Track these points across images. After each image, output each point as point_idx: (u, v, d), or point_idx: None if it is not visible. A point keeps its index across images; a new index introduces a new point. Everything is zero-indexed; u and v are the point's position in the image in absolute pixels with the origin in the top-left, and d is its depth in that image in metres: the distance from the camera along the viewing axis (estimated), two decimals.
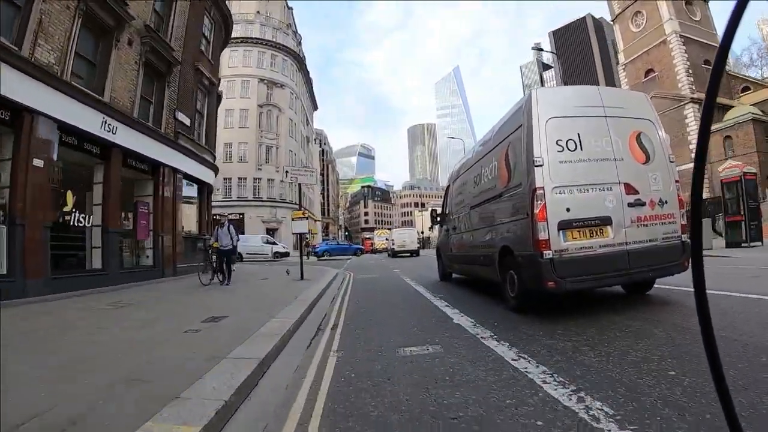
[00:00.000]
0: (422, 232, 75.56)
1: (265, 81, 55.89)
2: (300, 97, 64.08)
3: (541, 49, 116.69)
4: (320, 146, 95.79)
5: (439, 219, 13.03)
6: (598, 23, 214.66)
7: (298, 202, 52.16)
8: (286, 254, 40.06)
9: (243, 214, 50.69)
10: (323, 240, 65.26)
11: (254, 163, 52.51)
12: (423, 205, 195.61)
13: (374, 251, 64.38)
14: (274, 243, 40.39)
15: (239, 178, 52.13)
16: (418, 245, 40.89)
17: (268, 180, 52.99)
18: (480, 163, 8.66)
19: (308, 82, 73.10)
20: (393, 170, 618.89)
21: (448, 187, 11.95)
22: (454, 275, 12.80)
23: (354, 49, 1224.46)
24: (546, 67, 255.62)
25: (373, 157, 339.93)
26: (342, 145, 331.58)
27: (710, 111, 0.91)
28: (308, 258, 43.58)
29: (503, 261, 7.22)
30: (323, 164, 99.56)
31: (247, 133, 53.09)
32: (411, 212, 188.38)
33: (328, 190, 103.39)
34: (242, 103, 53.97)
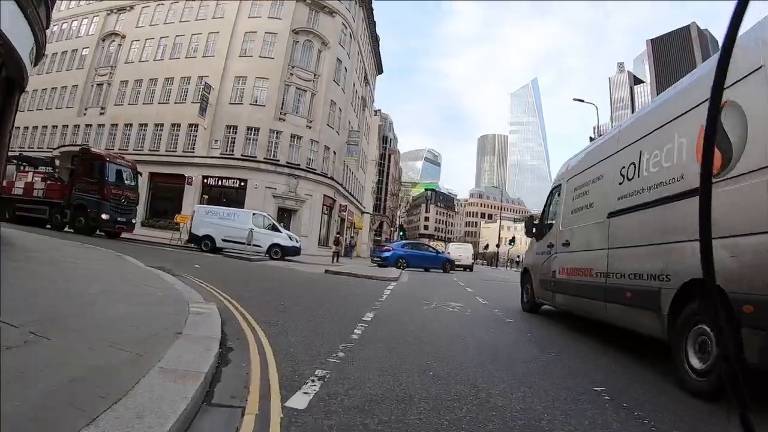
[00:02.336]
0: (497, 246, 74.75)
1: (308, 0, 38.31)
2: (357, 39, 46.06)
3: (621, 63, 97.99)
4: (382, 128, 77.89)
5: (535, 229, 10.24)
6: (703, 35, 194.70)
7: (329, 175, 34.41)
8: (296, 251, 24.67)
9: (246, 181, 34.54)
10: (400, 239, 47.67)
11: (275, 110, 36.40)
12: (490, 216, 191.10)
13: None
14: (276, 229, 24.76)
15: (249, 129, 36.12)
16: (473, 260, 42.53)
17: (293, 137, 36.93)
18: (638, 146, 6.03)
19: (372, 30, 54.82)
20: (458, 180, 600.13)
21: (556, 187, 9.22)
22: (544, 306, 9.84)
23: (432, 57, 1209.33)
24: (637, 80, 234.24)
25: (439, 164, 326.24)
26: (409, 149, 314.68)
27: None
28: (336, 260, 25.90)
29: (683, 306, 4.58)
30: (384, 151, 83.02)
31: (271, 66, 36.96)
32: (476, 223, 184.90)
33: (387, 182, 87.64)
34: (269, 25, 38.16)
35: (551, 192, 9.86)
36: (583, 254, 7.43)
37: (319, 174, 37.70)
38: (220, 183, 34.75)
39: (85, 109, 41.95)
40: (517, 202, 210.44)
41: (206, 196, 33.45)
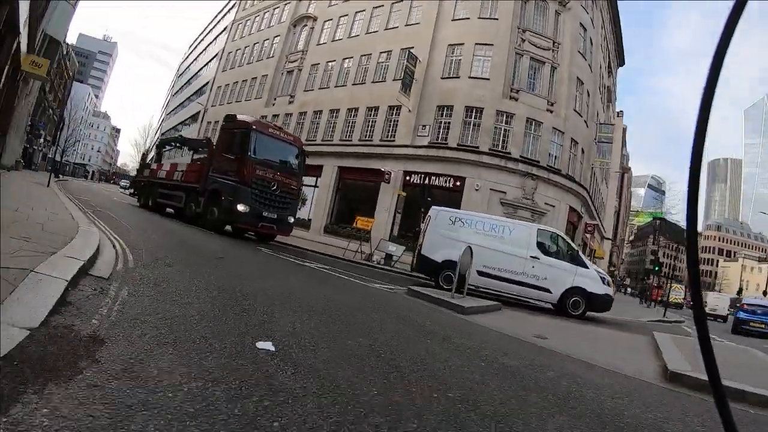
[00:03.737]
0: (765, 293, 57.77)
1: None
2: (601, 9, 34.45)
3: None
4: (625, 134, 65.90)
5: None
6: None
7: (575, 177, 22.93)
8: (607, 303, 13.95)
9: (463, 179, 25.39)
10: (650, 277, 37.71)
11: (503, 85, 26.58)
12: (731, 254, 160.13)
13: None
14: (579, 261, 13.81)
15: (468, 110, 26.82)
16: (728, 311, 37.95)
17: (528, 122, 26.59)
18: None
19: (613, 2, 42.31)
20: (682, 211, 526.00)
21: None
22: None
23: (646, 76, 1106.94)
24: None
25: (663, 192, 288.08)
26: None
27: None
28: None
29: None
30: (621, 167, 69.73)
31: (495, 30, 27.54)
32: (713, 261, 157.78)
33: (620, 207, 76.37)
34: None
35: None
36: None
37: (564, 176, 26.74)
38: (426, 180, 26.10)
39: (274, 99, 39.04)
40: (758, 238, 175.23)
41: (404, 193, 25.15)
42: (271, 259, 12.40)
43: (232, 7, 57.24)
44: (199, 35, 77.20)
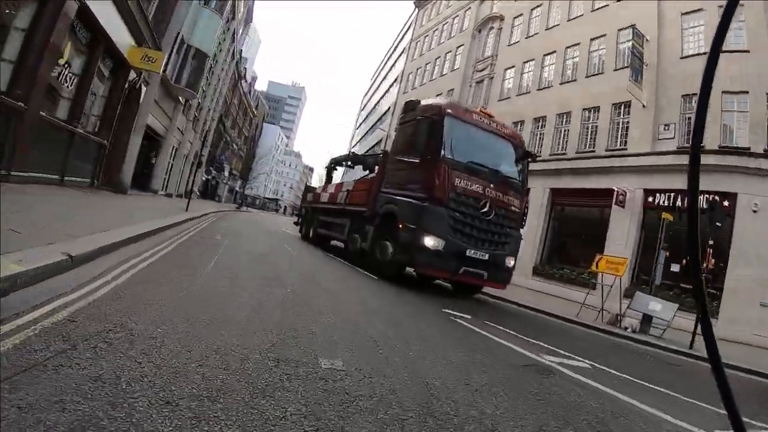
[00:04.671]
0: None
1: None
2: None
3: None
4: None
5: None
6: None
7: None
8: None
9: (733, 196, 18.06)
10: None
11: None
12: None
13: None
14: None
15: (727, 96, 19.43)
16: None
17: None
18: None
19: None
20: None
21: None
22: None
23: None
24: None
25: None
26: None
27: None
28: None
29: None
30: None
31: None
32: None
33: None
34: None
35: None
36: None
37: None
38: (674, 200, 19.31)
39: None
40: None
41: (670, 217, 17.38)
42: (463, 349, 5.58)
43: (409, 28, 56.90)
44: (379, 66, 79.37)
